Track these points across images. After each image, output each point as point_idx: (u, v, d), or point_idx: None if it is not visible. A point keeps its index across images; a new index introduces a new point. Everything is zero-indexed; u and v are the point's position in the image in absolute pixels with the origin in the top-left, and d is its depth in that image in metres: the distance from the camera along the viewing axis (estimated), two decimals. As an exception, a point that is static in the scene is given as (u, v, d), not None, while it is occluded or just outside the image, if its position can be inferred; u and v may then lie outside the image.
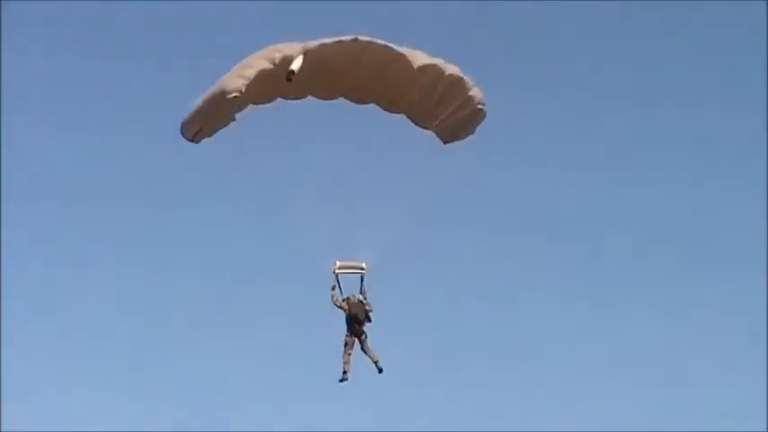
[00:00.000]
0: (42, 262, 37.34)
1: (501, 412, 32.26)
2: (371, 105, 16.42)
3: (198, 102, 15.37)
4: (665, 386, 33.90)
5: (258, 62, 15.14)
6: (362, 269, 15.57)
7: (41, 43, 42.23)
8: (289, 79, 14.64)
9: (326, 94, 16.19)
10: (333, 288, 15.20)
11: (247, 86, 14.97)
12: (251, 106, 15.71)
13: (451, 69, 15.45)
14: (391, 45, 15.35)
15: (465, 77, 15.61)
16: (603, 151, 40.12)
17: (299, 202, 15.38)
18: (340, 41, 15.08)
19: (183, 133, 15.48)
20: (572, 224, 39.01)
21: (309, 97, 16.19)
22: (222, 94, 14.89)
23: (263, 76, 15.05)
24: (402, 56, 15.20)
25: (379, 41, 15.25)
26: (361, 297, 15.37)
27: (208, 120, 15.22)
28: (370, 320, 15.06)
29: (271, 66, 15.04)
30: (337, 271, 15.22)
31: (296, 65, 14.68)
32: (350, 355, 14.46)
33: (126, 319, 35.81)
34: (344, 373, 14.33)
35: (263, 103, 15.83)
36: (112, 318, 35.08)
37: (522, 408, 32.53)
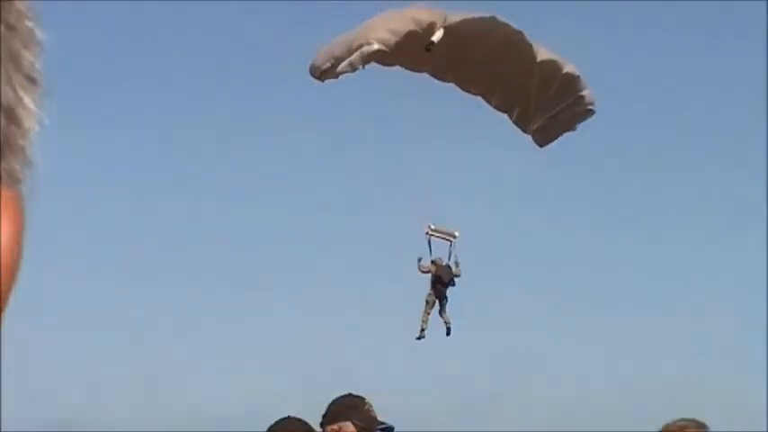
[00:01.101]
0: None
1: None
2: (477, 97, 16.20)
3: (335, 42, 14.53)
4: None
5: (405, 22, 14.25)
6: (454, 237, 15.75)
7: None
8: (428, 50, 13.81)
9: (443, 70, 15.66)
10: (420, 259, 15.46)
11: (392, 42, 14.14)
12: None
13: (569, 68, 15.07)
14: (523, 32, 14.85)
15: (581, 77, 15.27)
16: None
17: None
18: (481, 17, 14.69)
19: (310, 70, 14.52)
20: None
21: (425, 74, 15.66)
22: (365, 42, 14.03)
23: (407, 36, 14.17)
24: (529, 45, 14.72)
25: (514, 25, 14.86)
26: (449, 262, 15.67)
27: (339, 62, 14.19)
28: (454, 285, 15.37)
29: (418, 29, 14.19)
30: (430, 233, 15.44)
31: (437, 36, 13.67)
32: (428, 314, 14.69)
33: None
34: (422, 330, 14.57)
35: (390, 65, 15.11)
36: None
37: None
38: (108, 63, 39.89)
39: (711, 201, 39.31)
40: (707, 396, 32.96)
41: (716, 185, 38.89)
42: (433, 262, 15.68)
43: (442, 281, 15.59)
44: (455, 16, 15.03)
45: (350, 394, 5.64)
